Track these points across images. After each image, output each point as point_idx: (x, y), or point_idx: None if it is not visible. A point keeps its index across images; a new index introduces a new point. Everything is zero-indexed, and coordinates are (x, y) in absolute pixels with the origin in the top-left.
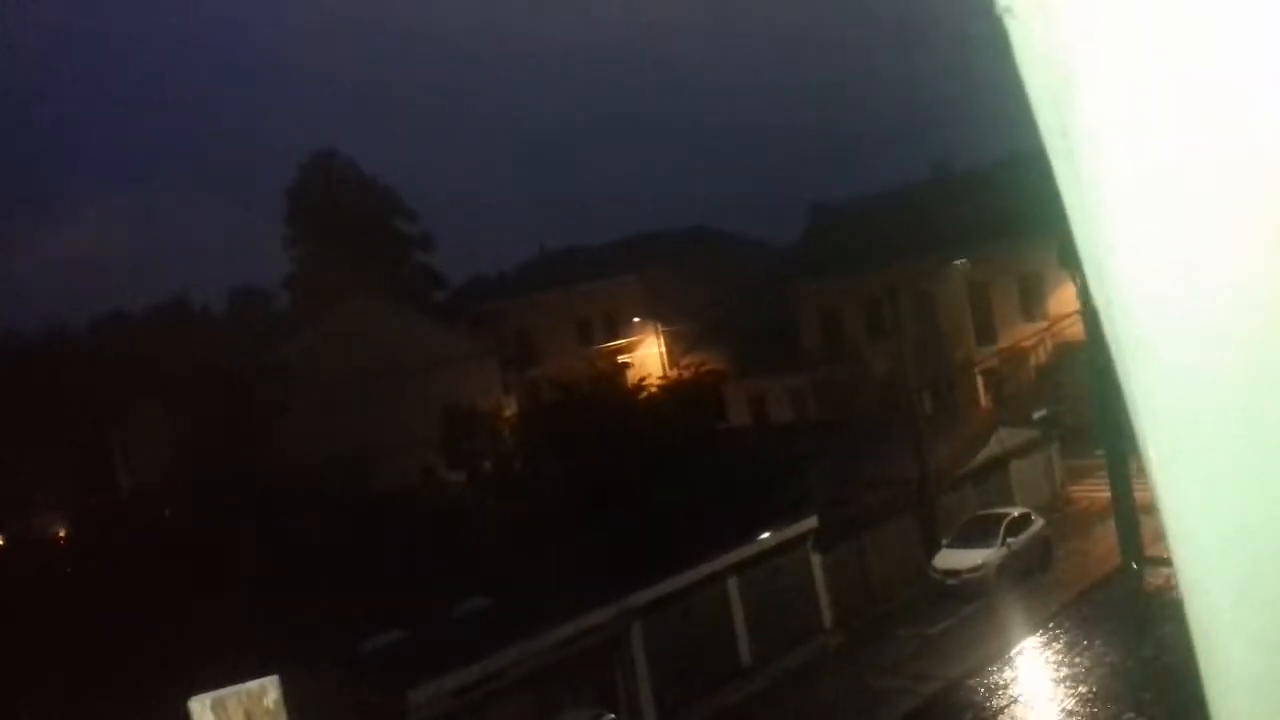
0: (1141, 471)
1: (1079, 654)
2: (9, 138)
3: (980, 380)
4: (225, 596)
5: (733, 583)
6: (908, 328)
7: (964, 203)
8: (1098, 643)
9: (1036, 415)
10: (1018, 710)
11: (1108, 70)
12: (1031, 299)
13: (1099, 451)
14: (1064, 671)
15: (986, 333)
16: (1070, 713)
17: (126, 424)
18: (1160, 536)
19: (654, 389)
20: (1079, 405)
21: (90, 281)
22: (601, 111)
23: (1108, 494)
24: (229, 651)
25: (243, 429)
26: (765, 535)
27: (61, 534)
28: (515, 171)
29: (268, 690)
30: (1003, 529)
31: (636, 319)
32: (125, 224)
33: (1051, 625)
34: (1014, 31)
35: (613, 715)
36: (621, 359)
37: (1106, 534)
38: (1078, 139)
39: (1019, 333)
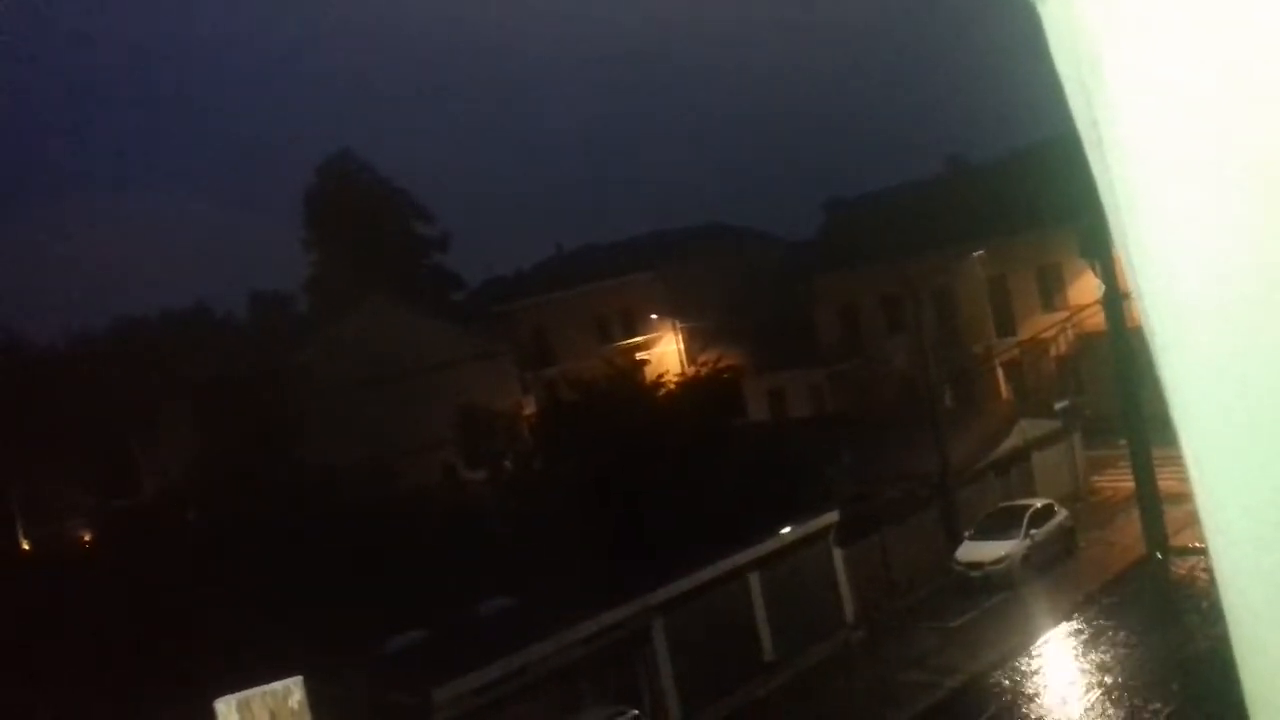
0: (1165, 460)
1: (1104, 645)
2: (29, 142)
3: (1001, 372)
4: (248, 598)
5: (754, 578)
6: (927, 321)
7: (981, 195)
8: (1123, 633)
9: (1058, 406)
10: (1043, 702)
11: (1138, 59)
12: (1051, 290)
13: (1122, 441)
14: (1089, 663)
15: (1006, 324)
16: (1096, 704)
17: (148, 429)
18: (1184, 526)
19: (672, 386)
20: (1101, 395)
21: (110, 287)
22: (617, 109)
23: (1131, 484)
24: (252, 652)
25: (264, 432)
26: (786, 530)
27: (86, 538)
28: (530, 171)
29: (292, 691)
30: (1026, 520)
31: (654, 316)
32: (143, 230)
33: (1076, 616)
34: (1046, 20)
35: (636, 712)
36: (639, 356)
37: (1130, 524)
38: (1108, 128)
39: (1039, 324)
